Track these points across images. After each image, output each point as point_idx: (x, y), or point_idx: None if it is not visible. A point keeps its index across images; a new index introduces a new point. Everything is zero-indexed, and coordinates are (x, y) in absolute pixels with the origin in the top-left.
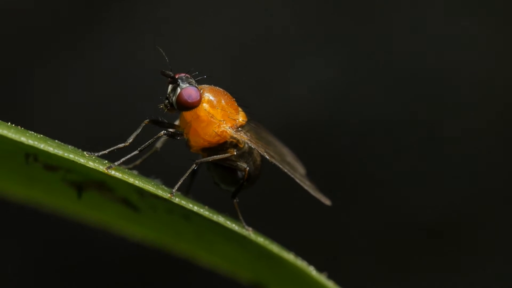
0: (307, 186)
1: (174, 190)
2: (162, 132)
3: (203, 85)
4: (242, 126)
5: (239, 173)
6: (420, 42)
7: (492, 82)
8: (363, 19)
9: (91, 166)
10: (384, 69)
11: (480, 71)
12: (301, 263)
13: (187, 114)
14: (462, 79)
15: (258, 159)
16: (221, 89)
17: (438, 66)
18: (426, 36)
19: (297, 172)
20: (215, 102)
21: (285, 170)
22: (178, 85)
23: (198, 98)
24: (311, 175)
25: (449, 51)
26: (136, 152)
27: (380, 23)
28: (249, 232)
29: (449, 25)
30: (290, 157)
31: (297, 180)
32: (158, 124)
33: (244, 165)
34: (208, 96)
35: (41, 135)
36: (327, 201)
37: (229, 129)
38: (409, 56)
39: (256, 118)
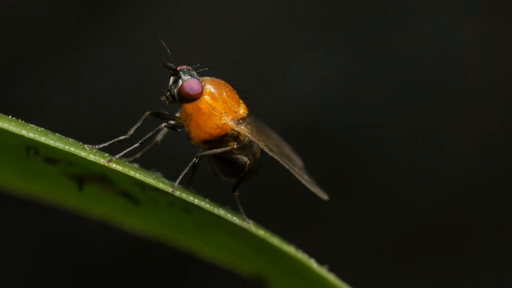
0: (305, 180)
1: (175, 185)
2: (163, 125)
3: (204, 77)
4: (243, 119)
5: (239, 166)
6: (421, 42)
7: (493, 82)
8: (364, 19)
9: (92, 159)
10: (384, 69)
11: (480, 71)
12: (302, 256)
13: (188, 106)
14: (463, 79)
15: (258, 152)
16: (222, 81)
17: (439, 66)
18: (427, 36)
19: (296, 165)
20: (216, 94)
21: (284, 164)
22: (180, 77)
23: (200, 90)
24: (310, 173)
25: (451, 51)
26: (136, 144)
27: (381, 23)
28: (250, 225)
29: (450, 25)
30: (288, 150)
31: (296, 175)
32: (159, 116)
33: (245, 159)
34: (209, 88)
35: (42, 128)
36: (324, 196)
37: (230, 122)
38: (409, 56)
39: (257, 112)
